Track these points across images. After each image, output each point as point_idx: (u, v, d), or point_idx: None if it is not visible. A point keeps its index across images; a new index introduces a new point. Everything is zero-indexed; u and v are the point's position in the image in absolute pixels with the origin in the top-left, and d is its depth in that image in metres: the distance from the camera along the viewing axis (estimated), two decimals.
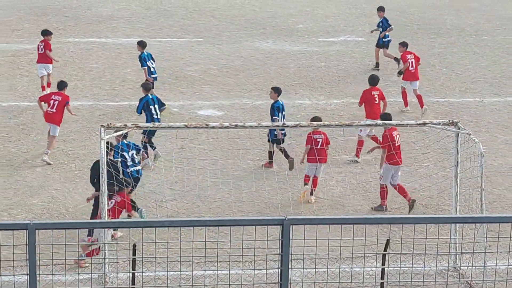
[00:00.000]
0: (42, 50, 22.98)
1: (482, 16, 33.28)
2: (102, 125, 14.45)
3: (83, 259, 14.18)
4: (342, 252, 8.97)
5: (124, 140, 16.43)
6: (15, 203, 16.88)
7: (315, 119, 17.11)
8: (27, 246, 6.89)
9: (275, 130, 18.39)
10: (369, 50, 28.39)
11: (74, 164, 19.14)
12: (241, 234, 8.21)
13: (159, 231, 11.95)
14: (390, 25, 26.33)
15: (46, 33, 23.49)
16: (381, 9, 26.92)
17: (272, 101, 19.12)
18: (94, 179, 15.36)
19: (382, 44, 26.28)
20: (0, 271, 9.23)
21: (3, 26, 29.49)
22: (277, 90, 19.16)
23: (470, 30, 31.03)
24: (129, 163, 16.35)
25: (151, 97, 19.40)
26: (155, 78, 22.39)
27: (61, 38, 28.37)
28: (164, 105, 21.27)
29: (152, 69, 22.24)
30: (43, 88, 22.93)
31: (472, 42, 28.71)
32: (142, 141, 18.51)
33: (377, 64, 26.24)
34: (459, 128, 14.72)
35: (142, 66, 22.40)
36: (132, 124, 14.93)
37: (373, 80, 20.08)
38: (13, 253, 8.14)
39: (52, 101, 19.35)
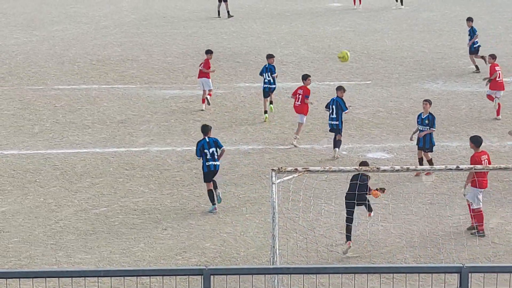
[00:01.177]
0: (202, 67, 26.23)
1: None
2: (273, 169, 14.61)
3: None
4: None
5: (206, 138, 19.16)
6: (188, 246, 17.27)
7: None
8: None
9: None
10: None
11: (245, 207, 19.42)
12: (414, 280, 8.08)
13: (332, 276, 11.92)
14: (475, 33, 29.75)
15: (208, 52, 26.71)
16: (469, 19, 30.45)
17: None
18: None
19: (474, 50, 29.75)
20: None
21: (177, 73, 30.47)
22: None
23: None
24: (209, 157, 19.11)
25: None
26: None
27: (232, 84, 29.04)
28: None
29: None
30: (203, 101, 26.12)
31: None
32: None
33: (477, 67, 29.59)
34: None
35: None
36: (302, 168, 15.04)
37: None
38: None
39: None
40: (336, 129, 22.28)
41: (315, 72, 30.20)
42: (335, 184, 20.05)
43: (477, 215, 17.12)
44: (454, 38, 34.80)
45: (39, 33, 36.75)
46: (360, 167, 15.52)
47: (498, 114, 24.98)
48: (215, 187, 19.19)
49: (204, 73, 26.08)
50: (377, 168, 15.35)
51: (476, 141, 18.01)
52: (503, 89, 25.05)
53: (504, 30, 36.03)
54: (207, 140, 19.38)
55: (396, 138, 23.71)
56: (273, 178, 14.49)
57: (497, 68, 24.96)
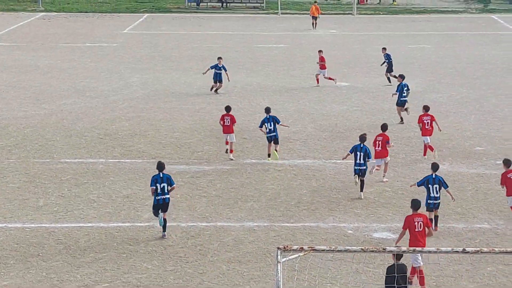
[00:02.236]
0: (228, 123, 29.19)
1: None
2: (279, 248, 14.51)
3: None
4: None
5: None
6: None
7: None
8: None
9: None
10: None
11: (249, 285, 19.28)
12: None
13: None
14: (404, 88, 34.03)
15: (229, 109, 29.74)
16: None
17: None
18: None
19: (400, 103, 33.84)
20: None
21: (184, 148, 30.54)
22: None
23: None
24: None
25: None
26: None
27: (238, 160, 29.06)
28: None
29: None
30: (231, 151, 29.20)
31: None
32: None
33: (401, 119, 33.91)
34: None
35: None
36: (308, 247, 14.92)
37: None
38: None
39: None
40: (364, 173, 25.05)
41: (321, 150, 30.26)
42: (341, 264, 19.91)
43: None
44: (461, 119, 34.91)
45: (48, 106, 37.00)
46: (367, 248, 15.36)
47: (424, 154, 29.18)
48: (164, 211, 21.98)
49: (230, 128, 29.20)
50: (383, 249, 15.23)
51: (413, 205, 19.42)
52: (431, 135, 29.23)
53: (510, 112, 36.16)
54: (161, 175, 21.98)
55: (402, 218, 23.51)
56: (279, 257, 14.37)
57: (424, 118, 29.27)
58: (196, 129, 33.26)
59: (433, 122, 29.28)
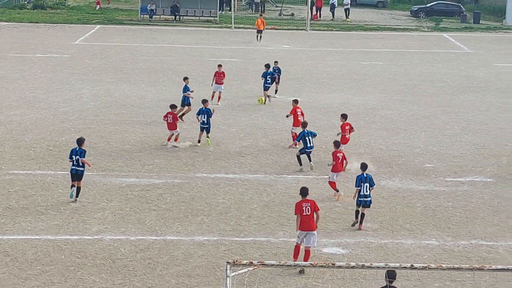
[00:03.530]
0: (170, 120, 32.20)
1: None
2: (228, 262, 14.47)
3: None
4: None
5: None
6: None
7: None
8: None
9: None
10: (498, 191, 27.85)
11: None
12: None
13: None
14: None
15: (173, 107, 32.89)
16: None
17: None
18: None
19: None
20: None
21: (134, 161, 30.35)
22: None
23: None
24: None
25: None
26: None
27: (189, 174, 28.96)
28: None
29: None
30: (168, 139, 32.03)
31: None
32: None
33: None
34: None
35: None
36: (258, 262, 14.90)
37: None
38: None
39: None
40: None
41: (273, 165, 30.28)
42: (290, 278, 19.89)
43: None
44: (411, 136, 35.20)
45: None
46: (316, 263, 15.38)
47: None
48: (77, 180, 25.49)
49: (174, 125, 32.17)
50: (332, 264, 15.26)
51: (301, 192, 21.51)
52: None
53: (459, 130, 36.57)
54: (77, 149, 25.37)
55: (352, 234, 23.69)
56: (228, 271, 14.33)
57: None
58: (147, 142, 33.08)
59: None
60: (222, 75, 40.35)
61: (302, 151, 29.82)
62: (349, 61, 55.13)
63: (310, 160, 29.81)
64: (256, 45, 61.64)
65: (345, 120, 31.13)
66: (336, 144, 27.46)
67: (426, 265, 15.37)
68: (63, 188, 26.84)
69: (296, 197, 26.66)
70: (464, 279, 19.64)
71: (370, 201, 24.17)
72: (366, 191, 23.92)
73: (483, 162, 31.50)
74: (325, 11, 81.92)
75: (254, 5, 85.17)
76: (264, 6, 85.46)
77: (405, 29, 74.31)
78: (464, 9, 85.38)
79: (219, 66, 40.87)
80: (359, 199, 24.01)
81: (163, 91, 43.59)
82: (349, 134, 31.06)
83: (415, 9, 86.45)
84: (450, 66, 54.58)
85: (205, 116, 32.24)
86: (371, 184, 24.04)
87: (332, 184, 26.97)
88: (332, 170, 26.95)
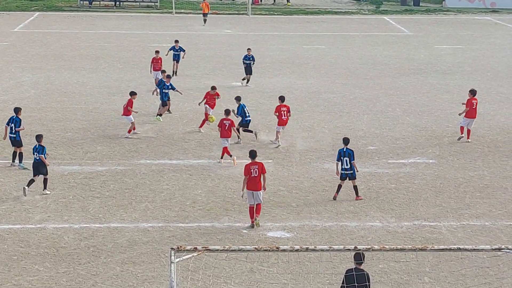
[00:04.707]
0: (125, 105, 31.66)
1: None
2: (172, 248, 14.41)
3: None
4: None
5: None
6: None
7: None
8: None
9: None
10: (440, 172, 28.18)
11: (143, 286, 19.11)
12: None
13: None
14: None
15: (132, 93, 31.94)
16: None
17: None
18: None
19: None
20: None
21: (77, 149, 30.06)
22: None
23: None
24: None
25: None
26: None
27: (132, 160, 28.78)
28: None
29: None
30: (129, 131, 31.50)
31: None
32: None
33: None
34: None
35: None
36: (202, 247, 14.86)
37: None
38: None
39: None
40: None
41: (216, 150, 30.19)
42: (235, 263, 19.91)
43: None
44: (354, 119, 35.40)
45: None
46: (260, 247, 15.39)
47: None
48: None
49: (128, 112, 31.51)
50: (277, 248, 15.28)
51: (250, 154, 23.17)
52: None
53: (401, 112, 36.88)
54: (37, 147, 25.49)
55: (296, 217, 23.79)
56: (172, 257, 14.27)
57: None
58: (89, 129, 32.78)
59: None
60: (159, 61, 40.16)
61: (241, 124, 31.19)
62: (291, 45, 55.21)
63: (251, 131, 31.27)
64: (198, 30, 61.40)
65: (282, 102, 31.40)
66: (226, 111, 29.34)
67: (369, 246, 15.47)
68: (4, 178, 26.49)
69: (239, 181, 26.74)
70: (407, 260, 19.83)
71: (354, 173, 24.99)
72: (347, 165, 24.80)
73: (425, 143, 31.82)
74: None
75: None
76: None
77: (346, 12, 74.65)
78: None
79: (157, 52, 40.69)
80: (342, 172, 24.94)
81: (104, 77, 43.21)
82: (287, 116, 31.14)
83: None
84: (391, 48, 54.99)
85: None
86: (351, 159, 24.83)
87: (225, 149, 28.62)
88: (221, 136, 28.90)
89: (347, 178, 25.06)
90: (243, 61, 42.06)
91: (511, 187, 26.66)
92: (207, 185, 26.42)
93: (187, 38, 57.33)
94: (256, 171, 22.71)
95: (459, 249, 15.83)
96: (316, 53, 52.34)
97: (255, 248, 14.83)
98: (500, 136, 32.95)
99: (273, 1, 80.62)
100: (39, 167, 25.25)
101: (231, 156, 28.45)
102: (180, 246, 14.72)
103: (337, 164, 25.10)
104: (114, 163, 28.47)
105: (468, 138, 31.76)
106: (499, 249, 14.98)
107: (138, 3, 74.40)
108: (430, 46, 56.34)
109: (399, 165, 28.94)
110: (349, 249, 15.86)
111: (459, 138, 31.78)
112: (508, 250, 14.83)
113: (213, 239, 21.94)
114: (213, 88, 33.58)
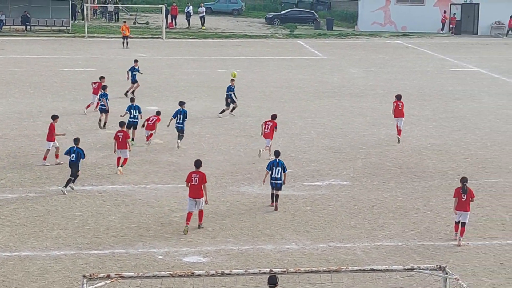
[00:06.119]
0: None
1: (463, 159, 33.43)
2: (84, 276, 14.11)
3: None
4: None
5: None
6: None
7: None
8: None
9: None
10: (354, 193, 28.38)
11: None
12: None
13: None
14: None
15: (54, 117, 31.30)
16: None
17: None
18: None
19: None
20: None
21: None
22: None
23: (452, 174, 31.11)
24: None
25: None
26: None
27: (44, 187, 28.23)
28: None
29: None
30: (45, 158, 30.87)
31: (454, 185, 28.54)
32: None
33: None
34: (446, 273, 14.50)
35: None
36: (115, 274, 14.59)
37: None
38: None
39: None
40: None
41: (131, 174, 29.83)
42: None
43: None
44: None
45: None
46: (175, 273, 15.19)
47: None
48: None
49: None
50: (192, 273, 15.09)
51: (195, 164, 24.73)
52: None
53: (316, 135, 37.10)
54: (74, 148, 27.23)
55: (213, 241, 23.61)
56: (85, 285, 13.97)
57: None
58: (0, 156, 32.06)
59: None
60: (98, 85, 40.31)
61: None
62: (206, 69, 55.20)
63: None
64: (111, 54, 60.91)
65: (158, 115, 34.11)
66: (120, 124, 30.67)
67: (285, 269, 15.41)
68: None
69: (154, 206, 26.51)
70: (323, 282, 19.79)
71: (281, 184, 26.35)
72: (278, 175, 26.20)
73: (340, 165, 32.04)
74: (181, 19, 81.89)
75: (107, 14, 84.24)
76: (118, 14, 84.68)
77: (260, 36, 75.10)
78: (317, 16, 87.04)
79: (102, 78, 40.74)
80: (271, 181, 26.31)
81: (14, 103, 42.44)
82: (270, 130, 32.61)
83: (270, 16, 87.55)
84: (305, 72, 55.44)
85: (136, 111, 34.20)
86: (284, 170, 26.25)
87: (118, 159, 30.01)
88: (118, 148, 30.02)
89: (275, 187, 26.41)
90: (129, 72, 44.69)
91: (423, 208, 27.01)
92: (121, 211, 26.05)
93: (100, 62, 56.84)
94: (196, 179, 24.03)
95: (372, 270, 15.91)
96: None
97: (170, 274, 14.64)
98: (412, 158, 33.41)
99: (187, 25, 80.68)
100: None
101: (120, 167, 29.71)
102: (93, 274, 14.43)
103: (266, 173, 26.49)
104: (24, 190, 27.88)
105: (399, 135, 35.84)
106: (412, 269, 15.09)
107: (49, 27, 73.52)
108: (344, 70, 57.02)
109: (314, 188, 29.05)
110: (264, 273, 15.77)
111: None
112: (420, 270, 14.94)
113: (128, 266, 21.58)
114: (158, 113, 34.84)
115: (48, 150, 30.87)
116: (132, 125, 33.96)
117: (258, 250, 23.02)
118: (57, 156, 30.91)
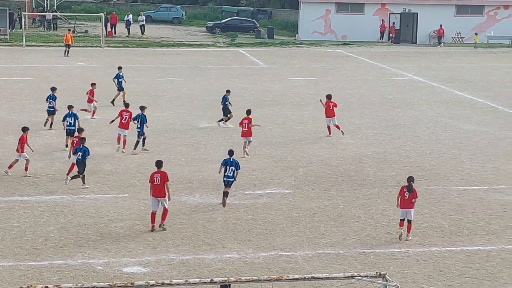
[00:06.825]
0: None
1: (403, 167, 33.72)
2: None
3: None
4: None
5: None
6: None
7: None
8: None
9: None
10: (296, 202, 28.41)
11: None
12: None
13: None
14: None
15: (24, 129, 30.88)
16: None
17: None
18: None
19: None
20: None
21: None
22: None
23: (392, 181, 31.35)
24: None
25: None
26: None
27: None
28: None
29: None
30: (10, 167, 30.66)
31: (394, 193, 28.81)
32: None
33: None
34: (386, 281, 14.56)
35: None
36: (54, 286, 14.36)
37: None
38: None
39: None
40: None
41: (70, 185, 29.49)
42: None
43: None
44: (211, 151, 35.38)
45: None
46: (114, 284, 14.99)
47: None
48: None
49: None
50: (132, 284, 14.91)
51: (156, 164, 25.43)
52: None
53: (258, 143, 37.06)
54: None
55: (153, 251, 23.41)
56: None
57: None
58: None
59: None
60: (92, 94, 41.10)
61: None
62: (147, 78, 54.93)
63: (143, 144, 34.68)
64: (50, 63, 60.27)
65: (248, 115, 34.88)
66: (79, 130, 31.42)
67: (225, 278, 15.33)
68: None
69: (94, 217, 26.23)
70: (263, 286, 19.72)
71: (232, 182, 27.61)
72: (230, 173, 27.40)
73: (281, 174, 32.07)
74: (121, 27, 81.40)
75: (46, 23, 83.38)
76: (56, 23, 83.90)
77: (201, 45, 75.03)
78: (258, 25, 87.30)
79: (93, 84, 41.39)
80: (224, 179, 27.57)
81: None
82: (247, 127, 34.18)
83: (211, 25, 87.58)
84: (246, 80, 55.49)
85: (73, 119, 34.19)
86: (237, 168, 27.52)
87: (72, 165, 29.87)
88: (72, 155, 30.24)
89: (226, 184, 27.61)
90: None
91: (364, 215, 27.15)
92: (60, 222, 25.70)
93: (39, 71, 56.21)
94: (158, 179, 24.80)
95: (313, 278, 15.91)
96: (172, 85, 52.23)
97: (109, 285, 14.44)
98: (353, 166, 33.59)
99: (127, 34, 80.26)
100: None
101: (68, 174, 29.69)
102: (31, 286, 14.19)
103: (221, 168, 27.69)
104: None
105: (335, 131, 38.19)
106: (352, 277, 15.12)
107: None
108: (285, 78, 57.20)
109: (255, 196, 29.02)
110: (205, 282, 15.66)
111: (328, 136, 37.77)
112: (360, 278, 14.98)
113: (67, 277, 21.27)
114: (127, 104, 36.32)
115: (16, 160, 30.58)
116: (69, 133, 34.01)
117: (199, 260, 22.89)
118: (25, 169, 30.57)
